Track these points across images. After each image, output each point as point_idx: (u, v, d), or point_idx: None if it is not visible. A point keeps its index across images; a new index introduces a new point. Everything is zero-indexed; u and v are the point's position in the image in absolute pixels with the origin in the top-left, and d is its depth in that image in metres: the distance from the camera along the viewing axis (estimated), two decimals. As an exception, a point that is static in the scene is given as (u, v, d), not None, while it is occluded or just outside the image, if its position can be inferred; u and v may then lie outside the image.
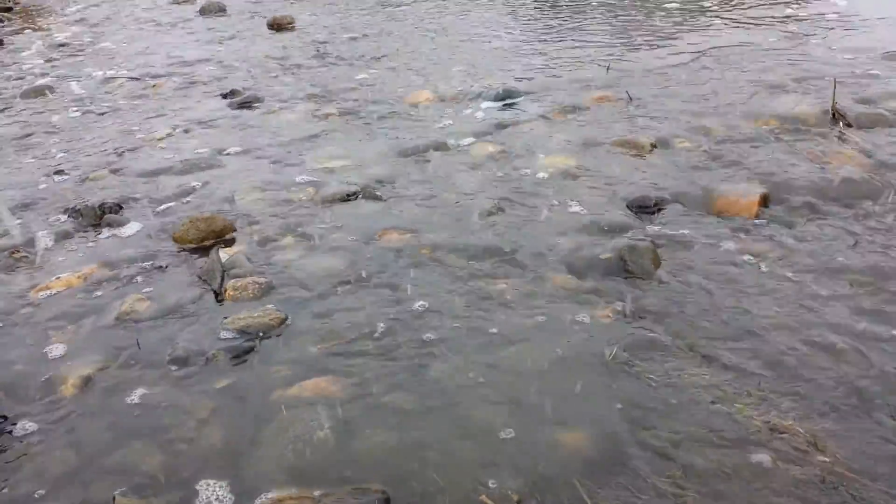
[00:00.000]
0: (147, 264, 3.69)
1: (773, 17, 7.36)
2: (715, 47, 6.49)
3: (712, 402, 2.57)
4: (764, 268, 3.32)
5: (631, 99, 5.39)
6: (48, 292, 3.50)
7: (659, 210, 3.88)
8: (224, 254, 3.67)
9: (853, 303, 3.04)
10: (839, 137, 4.52)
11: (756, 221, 3.70)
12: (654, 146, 4.60)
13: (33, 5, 10.99)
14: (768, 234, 3.59)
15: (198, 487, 2.37)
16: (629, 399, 2.61)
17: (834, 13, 7.28)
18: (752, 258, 3.40)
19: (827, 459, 2.32)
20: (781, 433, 2.42)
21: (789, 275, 3.25)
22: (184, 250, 3.80)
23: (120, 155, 5.10)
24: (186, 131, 5.50)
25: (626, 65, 6.24)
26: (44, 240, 3.97)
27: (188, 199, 4.37)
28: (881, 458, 2.32)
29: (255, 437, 2.56)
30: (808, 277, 3.23)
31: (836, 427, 2.44)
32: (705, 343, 2.86)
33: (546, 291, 3.26)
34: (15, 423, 2.69)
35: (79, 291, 3.49)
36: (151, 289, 3.48)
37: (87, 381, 2.87)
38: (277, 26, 8.51)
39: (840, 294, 3.10)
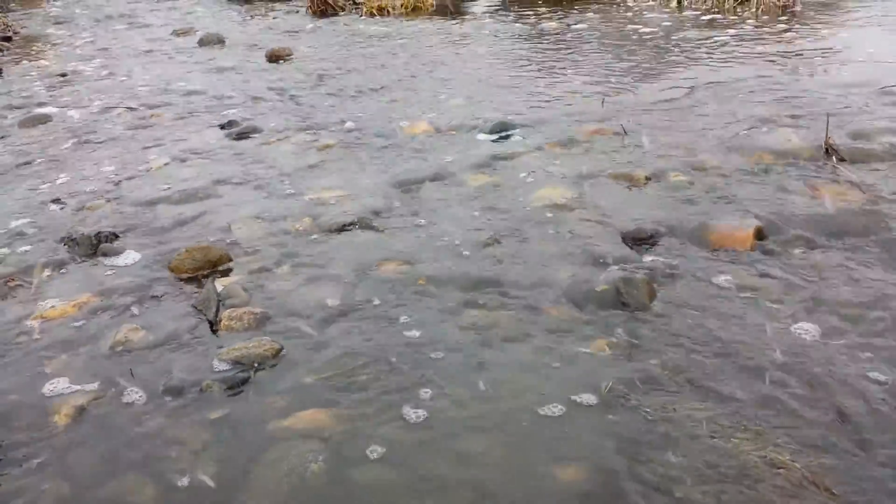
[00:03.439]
0: (142, 294, 3.68)
1: (767, 52, 7.44)
2: (710, 82, 6.56)
3: (709, 437, 2.56)
4: (759, 301, 3.33)
5: (626, 132, 5.43)
6: (43, 321, 3.49)
7: (654, 243, 3.89)
8: (220, 284, 3.67)
9: (848, 337, 3.05)
10: (833, 172, 4.56)
11: (751, 255, 3.72)
12: (648, 179, 4.63)
13: (33, 35, 11.08)
14: (763, 267, 3.60)
15: (190, 520, 2.35)
16: (625, 432, 2.60)
17: (828, 49, 7.37)
18: (747, 291, 3.41)
19: (823, 495, 2.31)
20: (778, 468, 2.41)
21: (784, 309, 3.26)
22: (179, 280, 3.80)
23: (117, 184, 5.11)
24: (184, 161, 5.52)
25: (622, 98, 6.30)
26: (39, 268, 3.96)
27: (184, 228, 4.38)
28: (877, 494, 2.32)
29: (249, 469, 2.54)
30: (803, 311, 3.24)
31: (833, 463, 2.44)
32: (701, 376, 2.86)
33: (541, 323, 3.26)
34: (7, 453, 2.67)
35: (73, 320, 3.49)
36: (146, 318, 3.47)
37: (80, 411, 2.86)
38: (275, 58, 8.58)
39: (835, 328, 3.11)
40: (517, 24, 9.65)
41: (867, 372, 2.84)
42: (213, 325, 3.37)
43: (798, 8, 9.27)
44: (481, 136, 5.62)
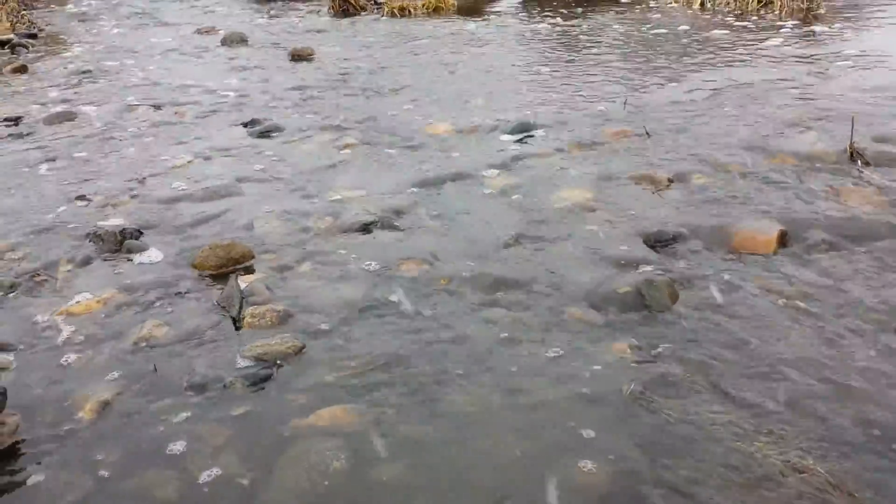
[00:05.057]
0: (166, 290, 3.71)
1: (790, 54, 7.39)
2: (733, 84, 6.52)
3: (731, 440, 2.55)
4: (782, 304, 3.31)
5: (648, 134, 5.42)
6: (68, 316, 3.52)
7: (676, 245, 3.88)
8: (242, 281, 3.70)
9: (872, 340, 3.03)
10: (857, 176, 4.52)
11: (774, 258, 3.70)
12: (671, 181, 4.61)
13: (58, 33, 11.18)
14: (786, 270, 3.58)
15: (213, 515, 2.37)
16: (646, 435, 2.59)
17: (852, 51, 7.31)
18: (770, 295, 3.39)
19: (847, 500, 2.30)
20: (801, 473, 2.40)
21: (807, 312, 3.24)
22: (203, 277, 3.83)
23: (141, 181, 5.16)
24: (207, 159, 5.56)
25: (644, 100, 6.28)
26: (64, 264, 4.00)
27: (208, 225, 4.41)
28: (902, 500, 2.30)
29: (271, 466, 2.56)
30: (827, 315, 3.22)
31: (856, 467, 2.42)
32: (723, 379, 2.85)
33: (563, 324, 3.26)
34: (33, 447, 2.70)
35: (98, 316, 3.52)
36: (170, 315, 3.50)
37: (104, 406, 2.88)
38: (298, 57, 8.62)
39: (858, 331, 3.09)
40: (539, 25, 9.64)
41: (891, 375, 2.81)
42: (236, 322, 3.40)
43: (822, 11, 9.20)
44: (503, 137, 5.62)
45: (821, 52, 7.41)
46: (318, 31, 10.18)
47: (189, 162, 5.50)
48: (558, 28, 9.37)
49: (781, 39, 8.06)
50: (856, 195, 4.26)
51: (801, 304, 3.30)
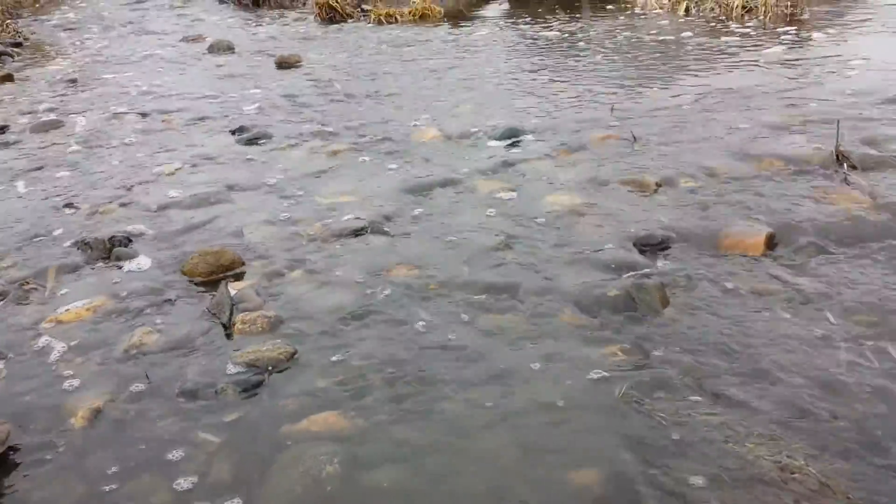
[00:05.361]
0: (156, 298, 3.70)
1: (776, 59, 7.45)
2: (719, 88, 6.56)
3: (723, 442, 2.56)
4: (771, 306, 3.33)
5: (636, 139, 5.44)
6: (57, 324, 3.51)
7: (666, 248, 3.90)
8: (233, 288, 3.69)
9: (861, 342, 3.05)
10: (844, 179, 4.56)
11: (763, 261, 3.73)
12: (659, 185, 4.64)
13: (43, 42, 11.14)
14: (775, 273, 3.61)
15: (207, 521, 2.37)
16: (639, 438, 2.61)
17: (837, 56, 7.36)
18: (759, 297, 3.41)
19: (840, 500, 2.31)
20: (792, 473, 2.42)
21: (797, 314, 3.27)
22: (193, 284, 3.82)
23: (129, 189, 5.14)
24: (195, 166, 5.55)
25: (631, 105, 6.31)
26: (53, 272, 3.98)
27: (197, 232, 4.40)
28: (893, 499, 2.31)
29: (264, 472, 2.55)
30: (815, 316, 3.24)
31: (847, 467, 2.44)
32: (714, 381, 2.87)
33: (554, 328, 3.27)
34: (25, 455, 2.69)
35: (88, 324, 3.51)
36: (160, 322, 3.49)
37: (96, 414, 2.87)
38: (285, 65, 8.61)
39: (847, 333, 3.11)
40: (526, 31, 9.68)
41: (881, 376, 2.84)
42: (227, 329, 3.39)
43: (806, 16, 9.29)
44: (491, 143, 5.64)
45: (806, 57, 7.47)
46: (306, 39, 10.18)
47: (177, 169, 5.49)
48: (544, 34, 9.41)
49: (766, 44, 8.11)
50: (842, 198, 4.29)
51: (790, 306, 3.33)
